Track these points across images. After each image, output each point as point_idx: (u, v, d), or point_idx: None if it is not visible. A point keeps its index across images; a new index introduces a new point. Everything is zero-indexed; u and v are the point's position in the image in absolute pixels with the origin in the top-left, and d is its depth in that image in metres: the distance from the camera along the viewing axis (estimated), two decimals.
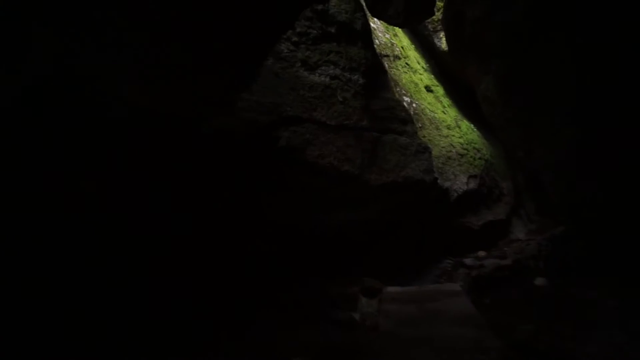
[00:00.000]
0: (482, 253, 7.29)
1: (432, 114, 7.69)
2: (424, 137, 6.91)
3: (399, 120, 5.82)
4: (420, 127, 6.98)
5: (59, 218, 3.40)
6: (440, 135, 7.47)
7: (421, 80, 8.26)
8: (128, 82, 2.82)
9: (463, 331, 3.31)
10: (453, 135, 7.74)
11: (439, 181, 6.51)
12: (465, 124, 8.35)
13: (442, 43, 8.80)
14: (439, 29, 8.99)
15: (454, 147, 7.52)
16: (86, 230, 3.52)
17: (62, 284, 3.43)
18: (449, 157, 7.27)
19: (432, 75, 8.84)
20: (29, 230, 3.25)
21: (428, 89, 8.26)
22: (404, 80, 7.68)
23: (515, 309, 4.83)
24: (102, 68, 2.70)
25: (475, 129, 8.48)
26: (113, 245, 3.66)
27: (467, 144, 7.86)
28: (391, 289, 4.99)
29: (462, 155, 7.54)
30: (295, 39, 4.77)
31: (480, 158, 7.88)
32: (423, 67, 8.72)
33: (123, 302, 3.64)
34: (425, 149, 6.05)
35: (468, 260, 6.70)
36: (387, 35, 8.11)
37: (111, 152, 3.29)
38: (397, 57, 8.01)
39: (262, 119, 4.27)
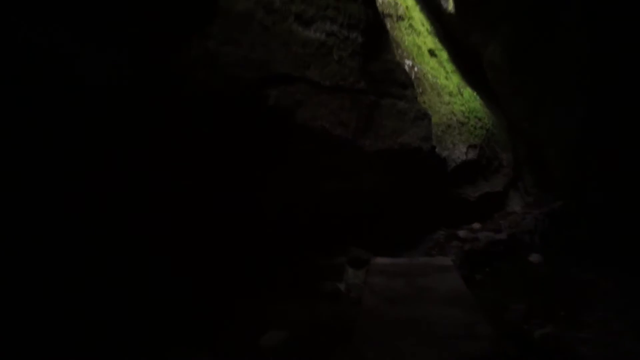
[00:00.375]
0: (476, 225, 7.12)
1: (434, 80, 7.35)
2: (424, 103, 6.59)
3: (398, 84, 5.49)
4: (420, 93, 6.66)
5: (57, 216, 3.20)
6: (441, 102, 7.15)
7: (425, 43, 7.85)
8: None
9: (453, 312, 3.11)
10: (455, 103, 7.42)
11: (437, 150, 6.26)
12: (468, 92, 8.01)
13: (449, 4, 8.35)
14: None
15: (454, 115, 7.22)
16: (84, 228, 3.31)
17: (61, 283, 3.25)
18: (449, 125, 6.98)
19: (437, 39, 8.42)
20: (27, 230, 3.06)
21: (432, 52, 7.87)
22: (406, 43, 7.29)
23: (508, 287, 4.67)
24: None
25: (478, 97, 8.14)
26: (111, 244, 3.46)
27: (468, 113, 7.55)
28: (380, 260, 4.81)
29: (462, 124, 7.25)
30: None
31: (481, 127, 7.59)
32: (427, 30, 8.29)
33: (122, 301, 3.45)
34: (424, 116, 5.76)
35: (462, 233, 6.52)
36: None
37: (105, 144, 3.08)
38: (400, 18, 7.59)
39: (250, 76, 3.95)
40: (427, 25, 8.44)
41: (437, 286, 3.77)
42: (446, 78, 7.73)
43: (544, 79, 4.92)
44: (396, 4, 7.66)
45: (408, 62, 6.89)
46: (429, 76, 7.26)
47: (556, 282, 4.45)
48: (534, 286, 4.46)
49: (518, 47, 5.20)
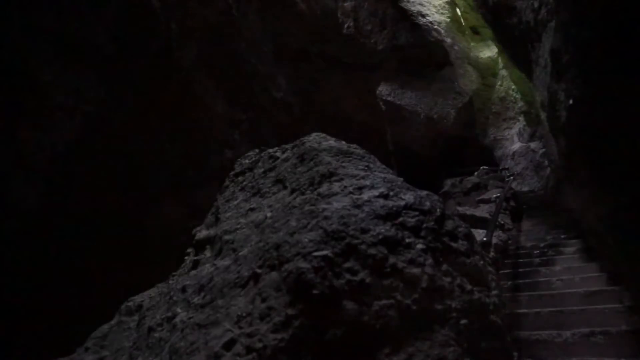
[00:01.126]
0: (527, 224, 6.71)
1: (477, 59, 6.87)
2: (466, 85, 6.18)
3: (435, 62, 5.11)
4: (461, 74, 6.24)
5: None
6: (484, 84, 6.68)
7: (467, 19, 7.35)
8: None
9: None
10: (500, 86, 6.92)
11: (479, 138, 5.85)
12: (516, 73, 7.47)
13: None
14: None
15: (500, 99, 6.74)
16: None
17: None
18: (494, 111, 6.52)
19: (480, 15, 7.90)
20: None
21: (474, 30, 7.36)
22: (445, 17, 6.84)
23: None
24: None
25: (527, 80, 7.61)
26: None
27: (516, 96, 7.02)
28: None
29: (508, 109, 6.76)
30: None
31: (530, 112, 7.05)
32: (470, 5, 7.77)
33: None
34: (467, 100, 5.37)
35: (504, 236, 6.12)
36: None
37: None
38: None
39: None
40: None
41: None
42: (491, 58, 7.21)
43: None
44: None
45: (447, 40, 6.44)
46: (471, 55, 6.79)
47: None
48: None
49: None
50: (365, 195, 2.02)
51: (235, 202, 2.81)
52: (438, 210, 2.04)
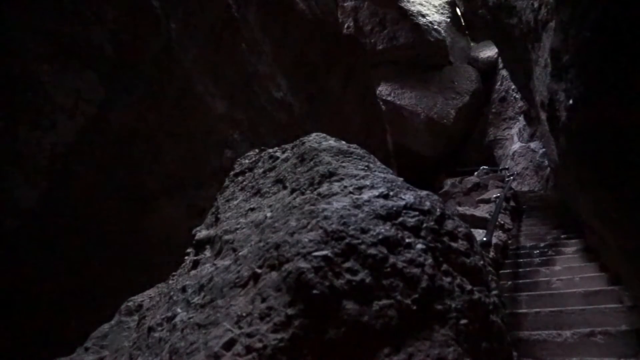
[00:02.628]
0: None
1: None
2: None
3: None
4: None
5: None
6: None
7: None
8: None
9: None
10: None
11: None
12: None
13: None
14: None
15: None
16: None
17: None
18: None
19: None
20: None
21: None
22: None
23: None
24: None
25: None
26: None
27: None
28: None
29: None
30: None
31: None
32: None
33: None
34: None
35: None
36: None
37: None
38: None
39: None
40: None
41: None
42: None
43: None
44: None
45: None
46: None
47: None
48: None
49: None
50: (365, 195, 2.01)
51: (235, 202, 2.81)
52: (438, 210, 2.04)
